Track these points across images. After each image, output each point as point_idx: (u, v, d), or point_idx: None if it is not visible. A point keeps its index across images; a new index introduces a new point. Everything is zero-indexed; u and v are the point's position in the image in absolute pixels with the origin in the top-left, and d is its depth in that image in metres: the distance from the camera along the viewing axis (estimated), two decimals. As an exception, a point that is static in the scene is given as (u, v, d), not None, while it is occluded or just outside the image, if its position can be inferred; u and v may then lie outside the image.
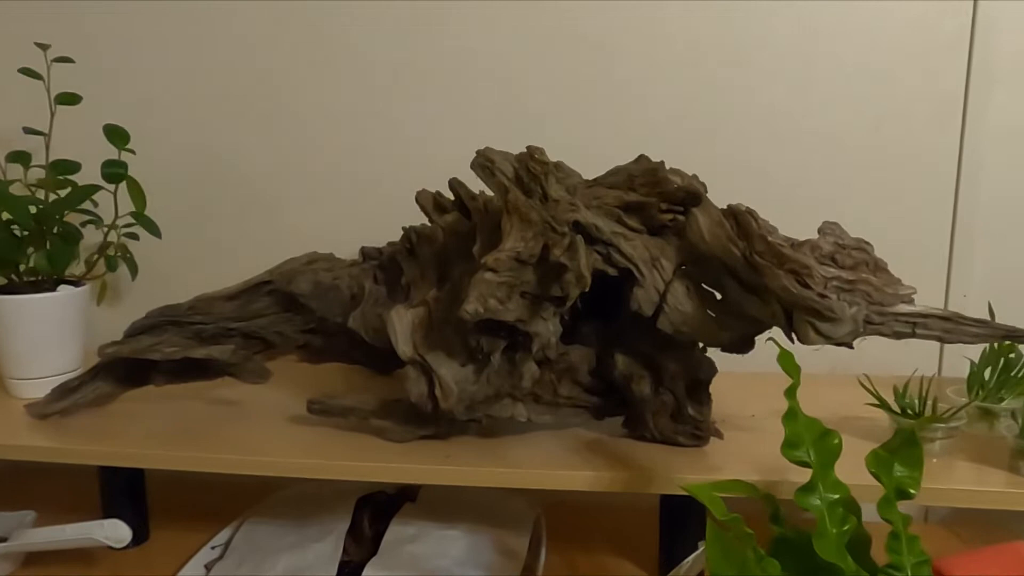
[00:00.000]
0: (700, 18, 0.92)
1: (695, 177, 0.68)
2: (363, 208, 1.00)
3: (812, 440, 0.50)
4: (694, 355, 0.70)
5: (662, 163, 0.70)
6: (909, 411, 0.69)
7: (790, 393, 0.50)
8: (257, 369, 0.76)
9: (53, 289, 0.86)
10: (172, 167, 1.02)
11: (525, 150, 0.66)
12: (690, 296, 0.64)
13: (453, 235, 0.71)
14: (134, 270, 0.96)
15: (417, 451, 0.70)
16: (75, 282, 0.89)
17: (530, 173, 0.65)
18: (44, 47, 0.85)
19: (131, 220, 0.91)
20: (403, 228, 0.78)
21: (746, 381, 0.79)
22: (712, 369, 0.70)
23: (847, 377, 0.76)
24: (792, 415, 0.50)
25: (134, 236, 0.94)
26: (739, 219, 0.60)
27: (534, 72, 0.95)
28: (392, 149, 0.99)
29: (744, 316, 0.63)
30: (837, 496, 0.49)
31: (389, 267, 0.78)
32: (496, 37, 0.95)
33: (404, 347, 0.68)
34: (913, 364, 0.76)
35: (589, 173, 0.75)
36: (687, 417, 0.69)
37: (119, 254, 0.94)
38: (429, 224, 0.77)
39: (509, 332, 0.66)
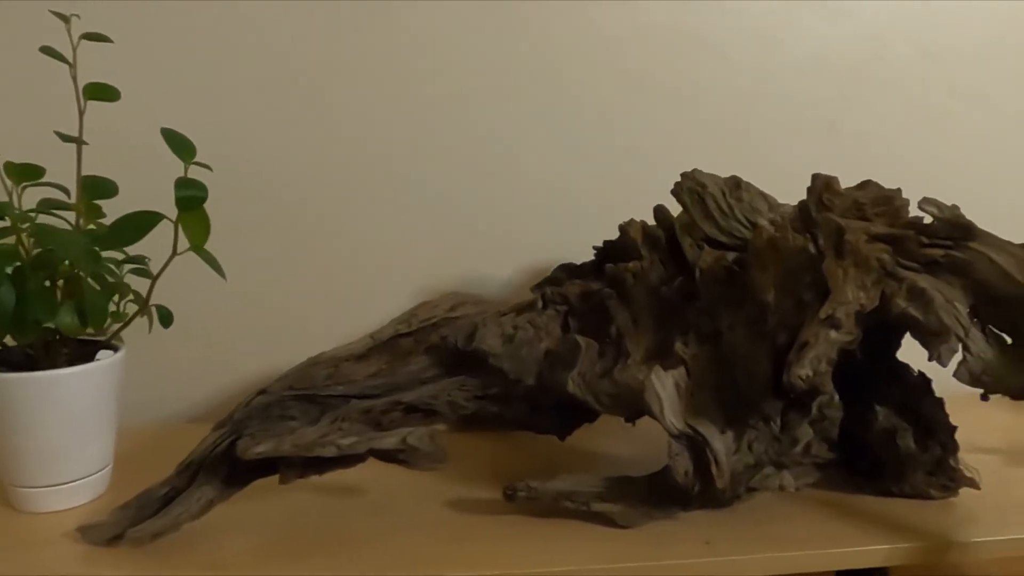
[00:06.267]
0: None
1: (955, 207, 0.62)
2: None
3: None
4: (941, 400, 0.64)
5: (899, 190, 0.64)
6: None
7: None
8: (434, 452, 0.59)
9: (91, 357, 0.61)
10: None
11: (815, 179, 0.56)
12: (988, 342, 0.58)
13: (711, 277, 0.59)
14: (168, 318, 0.72)
15: (661, 539, 0.58)
16: (108, 343, 0.65)
17: (822, 206, 0.55)
18: (66, 19, 0.60)
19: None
20: (606, 265, 0.64)
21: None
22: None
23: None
24: None
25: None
26: (1065, 259, 0.56)
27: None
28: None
29: (1038, 360, 0.58)
30: None
31: (583, 312, 0.64)
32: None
33: (673, 419, 0.55)
34: None
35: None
36: (947, 468, 0.63)
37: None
38: (638, 261, 0.64)
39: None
